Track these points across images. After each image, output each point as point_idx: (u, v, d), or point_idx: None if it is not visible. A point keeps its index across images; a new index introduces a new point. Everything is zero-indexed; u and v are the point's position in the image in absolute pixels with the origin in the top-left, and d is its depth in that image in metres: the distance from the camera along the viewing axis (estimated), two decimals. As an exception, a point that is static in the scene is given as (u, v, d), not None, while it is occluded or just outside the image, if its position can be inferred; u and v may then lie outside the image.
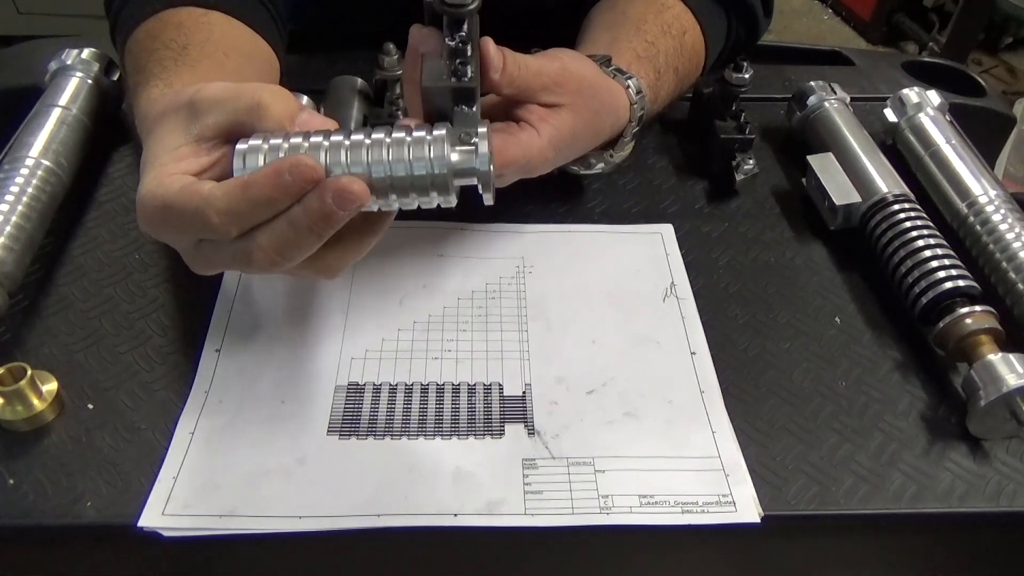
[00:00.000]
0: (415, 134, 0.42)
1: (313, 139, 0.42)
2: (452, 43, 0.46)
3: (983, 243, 0.58)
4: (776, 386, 0.53)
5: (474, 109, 0.45)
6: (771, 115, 0.75)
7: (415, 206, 0.43)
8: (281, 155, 0.41)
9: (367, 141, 0.42)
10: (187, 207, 0.40)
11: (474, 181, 0.43)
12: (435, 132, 0.42)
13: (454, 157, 0.42)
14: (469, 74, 0.45)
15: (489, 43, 0.49)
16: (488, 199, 0.44)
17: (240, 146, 0.41)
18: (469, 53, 0.46)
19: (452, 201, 0.43)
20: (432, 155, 0.42)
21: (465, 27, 0.46)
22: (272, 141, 0.41)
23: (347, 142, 0.42)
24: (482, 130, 0.43)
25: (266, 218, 0.41)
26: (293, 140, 0.41)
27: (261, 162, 0.41)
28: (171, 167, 0.42)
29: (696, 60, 0.68)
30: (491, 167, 0.43)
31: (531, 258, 0.60)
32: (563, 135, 0.52)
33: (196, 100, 0.43)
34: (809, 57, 0.88)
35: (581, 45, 0.65)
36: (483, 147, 0.42)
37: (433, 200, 0.43)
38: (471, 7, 0.45)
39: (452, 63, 0.45)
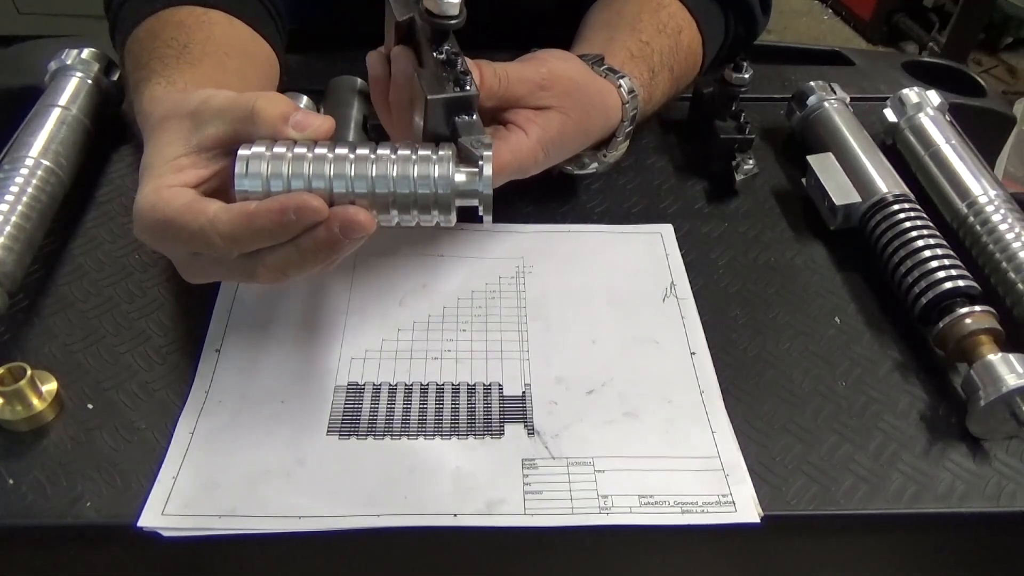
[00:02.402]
0: (420, 152, 0.42)
1: (317, 150, 0.42)
2: (442, 56, 0.46)
3: (983, 243, 0.58)
4: (776, 386, 0.53)
5: (475, 117, 0.45)
6: (771, 115, 0.75)
7: (415, 223, 0.43)
8: (284, 165, 0.41)
9: (372, 156, 0.42)
10: (190, 226, 0.41)
11: (475, 202, 0.43)
12: (440, 152, 0.42)
13: (459, 178, 0.42)
14: (470, 82, 0.45)
15: (464, 61, 0.49)
16: (487, 220, 0.44)
17: (243, 151, 0.41)
18: (462, 63, 0.46)
19: (452, 220, 0.43)
20: (437, 174, 0.42)
21: (452, 39, 0.46)
22: (276, 149, 0.41)
23: (352, 156, 0.42)
24: (487, 153, 0.43)
25: (268, 245, 0.41)
26: (297, 150, 0.42)
27: (263, 169, 0.41)
28: (170, 178, 0.42)
29: (693, 59, 0.68)
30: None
31: (531, 258, 0.60)
32: (551, 136, 0.52)
33: (200, 110, 0.43)
34: (809, 57, 0.88)
35: (577, 45, 0.65)
36: (487, 169, 0.43)
37: (433, 218, 0.43)
38: (458, 20, 0.45)
39: (451, 73, 0.45)
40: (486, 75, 0.50)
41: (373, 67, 0.51)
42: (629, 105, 0.58)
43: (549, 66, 0.53)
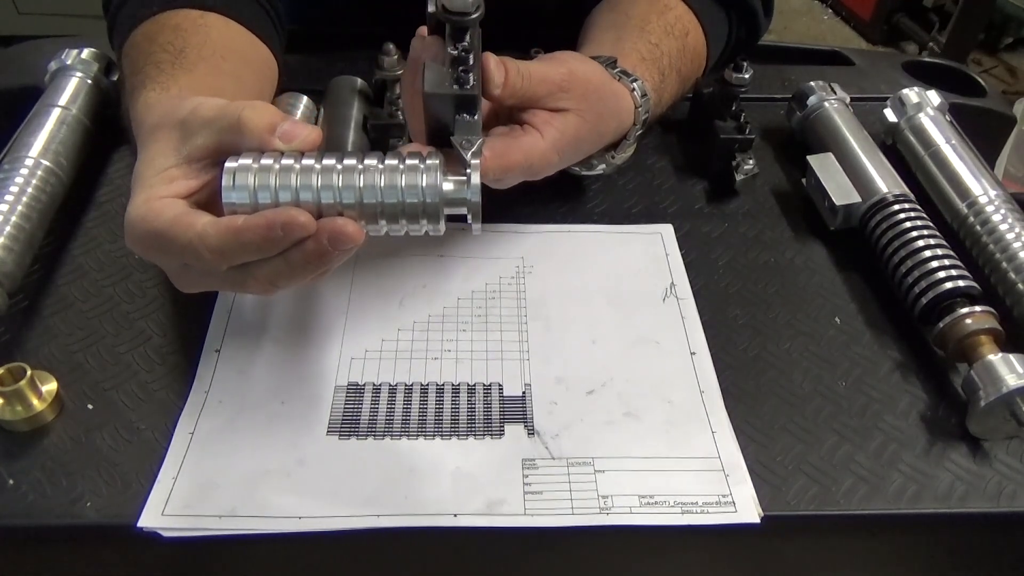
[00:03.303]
0: (408, 162, 0.42)
1: (305, 162, 0.42)
2: (455, 52, 0.46)
3: (983, 243, 0.58)
4: (776, 386, 0.53)
5: (475, 117, 0.45)
6: (771, 115, 0.75)
7: (403, 232, 0.43)
8: (271, 178, 0.41)
9: (360, 166, 0.42)
10: (179, 239, 0.41)
11: (464, 210, 0.43)
12: (428, 161, 0.42)
13: (446, 187, 0.42)
14: (471, 82, 0.45)
15: (490, 58, 0.48)
16: (476, 228, 0.44)
17: (229, 164, 0.41)
18: (471, 61, 0.46)
19: (441, 229, 0.43)
20: (425, 183, 0.42)
21: (468, 36, 0.46)
22: (263, 161, 0.41)
23: (339, 167, 0.42)
24: (475, 161, 0.43)
25: (256, 259, 0.41)
26: (284, 162, 0.41)
27: (250, 181, 0.41)
28: (160, 189, 0.42)
29: (698, 61, 0.68)
30: (481, 198, 0.43)
31: (531, 258, 0.60)
32: (567, 139, 0.52)
33: (188, 120, 0.43)
34: (809, 57, 0.88)
35: (584, 46, 0.65)
36: (475, 178, 0.43)
37: (422, 227, 0.43)
38: (474, 16, 0.45)
39: (454, 71, 0.45)
40: (510, 73, 0.49)
41: (413, 48, 0.51)
42: (642, 108, 0.58)
43: (569, 67, 0.53)
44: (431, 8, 0.47)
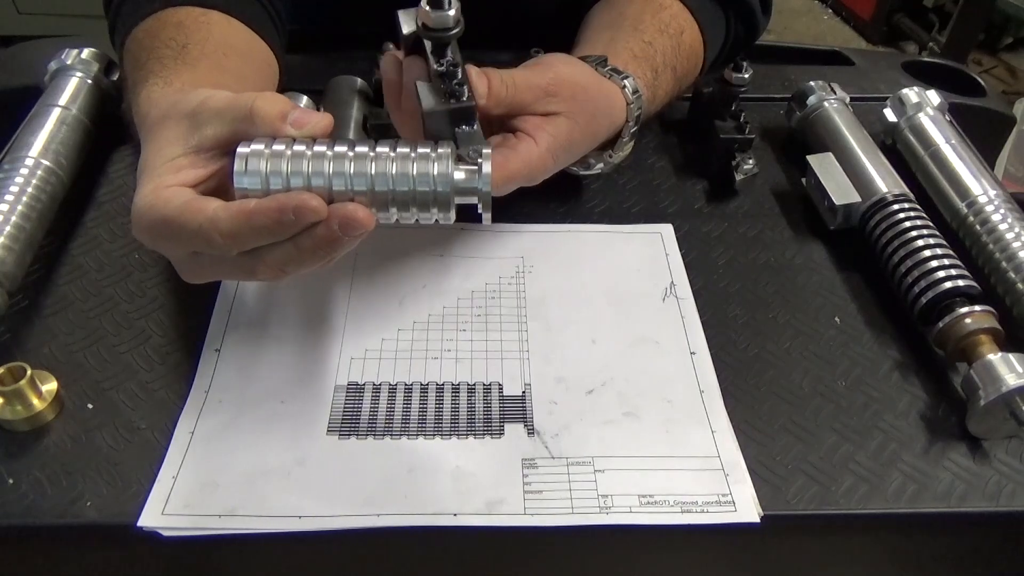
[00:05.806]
0: (420, 150, 0.42)
1: (317, 148, 0.42)
2: (440, 67, 0.46)
3: (983, 243, 0.58)
4: (776, 386, 0.53)
5: (475, 127, 0.45)
6: (771, 115, 0.75)
7: (414, 221, 0.44)
8: (283, 163, 0.41)
9: (371, 154, 0.42)
10: (189, 224, 0.41)
11: (475, 200, 0.43)
12: (440, 149, 0.43)
13: (458, 175, 0.43)
14: (466, 94, 0.45)
15: (471, 70, 0.49)
16: (487, 218, 0.44)
17: (242, 149, 0.42)
18: (460, 74, 0.46)
19: (451, 218, 0.44)
20: (436, 172, 0.42)
21: (449, 51, 0.47)
22: (275, 147, 0.42)
23: (351, 153, 0.42)
24: (486, 151, 0.43)
25: (267, 243, 0.41)
26: (296, 148, 0.42)
27: (262, 167, 0.41)
28: (168, 179, 0.42)
29: (695, 59, 0.68)
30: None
31: (531, 258, 0.60)
32: (560, 142, 0.52)
33: (198, 111, 0.43)
34: (809, 57, 0.89)
35: (579, 46, 0.65)
36: (486, 167, 0.43)
37: (432, 216, 0.43)
38: (454, 32, 0.46)
39: (447, 85, 0.46)
40: (494, 83, 0.50)
41: (387, 71, 0.51)
42: (633, 105, 0.58)
43: (555, 71, 0.53)
44: (406, 30, 0.48)
